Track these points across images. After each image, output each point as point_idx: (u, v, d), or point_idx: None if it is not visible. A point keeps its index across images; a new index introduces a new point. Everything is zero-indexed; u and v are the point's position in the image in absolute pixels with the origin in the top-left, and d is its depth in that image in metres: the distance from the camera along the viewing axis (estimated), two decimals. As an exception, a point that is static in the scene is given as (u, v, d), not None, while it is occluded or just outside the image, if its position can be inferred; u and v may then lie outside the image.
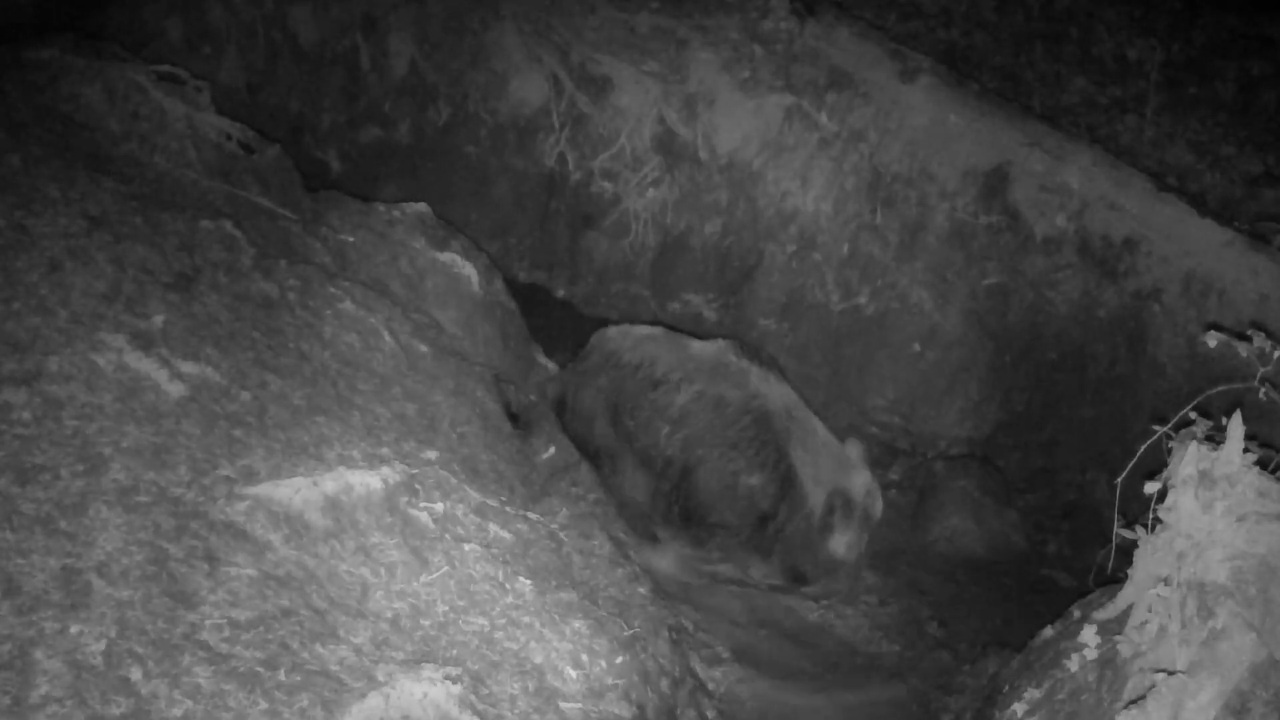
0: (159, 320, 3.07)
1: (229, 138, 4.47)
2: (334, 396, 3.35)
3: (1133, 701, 2.64)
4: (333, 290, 3.90)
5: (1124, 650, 2.82)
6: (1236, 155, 6.81)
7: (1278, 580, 2.60)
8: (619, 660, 3.08)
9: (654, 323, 5.57)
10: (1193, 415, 2.92)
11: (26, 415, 2.56)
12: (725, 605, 4.69)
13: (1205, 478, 2.74)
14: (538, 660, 2.83)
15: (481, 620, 2.82)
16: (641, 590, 3.80)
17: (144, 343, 2.94)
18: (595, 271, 6.96)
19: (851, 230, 6.58)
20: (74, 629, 2.10)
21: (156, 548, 2.37)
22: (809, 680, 4.34)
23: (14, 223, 3.16)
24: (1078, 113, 6.92)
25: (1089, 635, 3.09)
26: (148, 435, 2.67)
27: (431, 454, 3.39)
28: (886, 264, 6.52)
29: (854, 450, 4.73)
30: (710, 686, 4.04)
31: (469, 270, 4.86)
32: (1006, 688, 3.37)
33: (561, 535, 3.70)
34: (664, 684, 3.42)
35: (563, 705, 2.74)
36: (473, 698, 2.46)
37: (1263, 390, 3.02)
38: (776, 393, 4.62)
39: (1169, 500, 2.80)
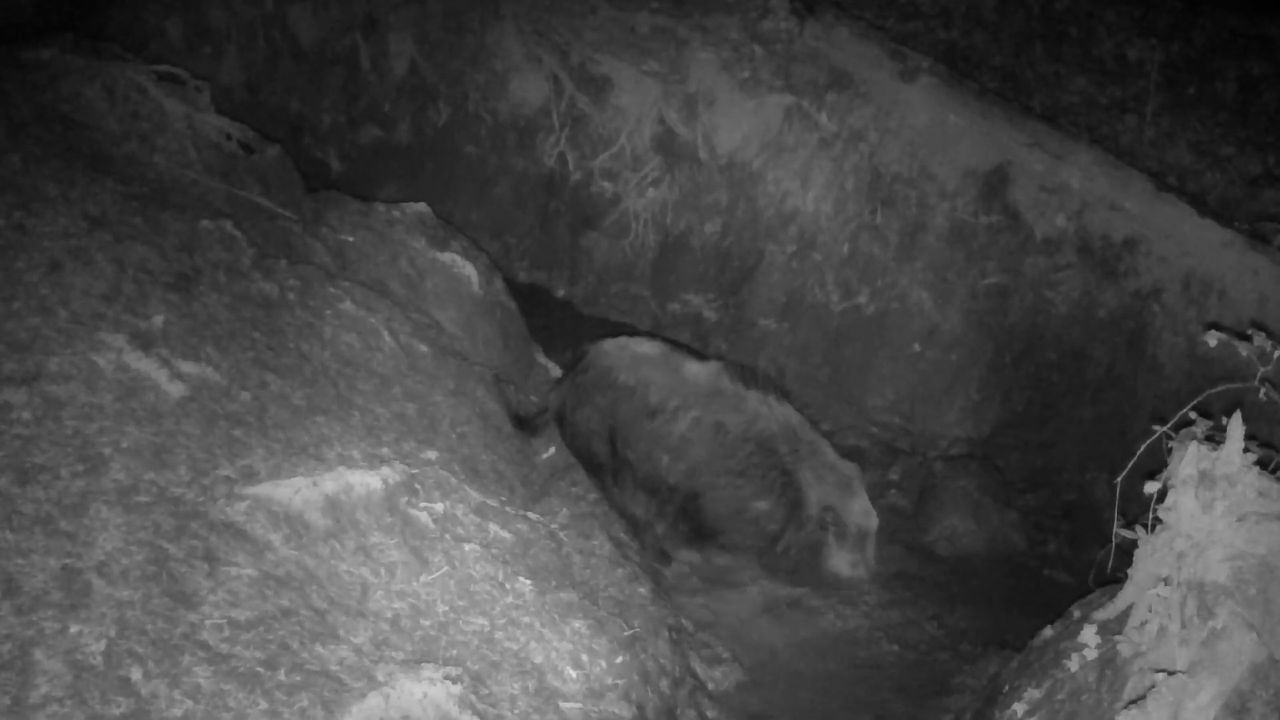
0: (159, 320, 3.07)
1: (229, 138, 4.48)
2: (334, 396, 3.35)
3: (1133, 701, 2.64)
4: (333, 290, 3.90)
5: (1124, 650, 2.82)
6: (1236, 155, 6.81)
7: (1278, 580, 2.60)
8: (619, 660, 3.08)
9: (651, 332, 5.53)
10: (1193, 415, 2.91)
11: (26, 415, 2.56)
12: (732, 606, 4.72)
13: (1205, 478, 2.74)
14: (538, 660, 2.83)
15: (481, 620, 2.82)
16: (641, 590, 3.79)
17: (144, 343, 2.94)
18: (595, 271, 6.96)
19: (851, 230, 6.58)
20: (74, 629, 2.11)
21: (156, 548, 2.37)
22: (809, 680, 4.34)
23: (14, 223, 3.17)
24: (1078, 113, 6.92)
25: (1089, 635, 3.09)
26: (148, 435, 2.67)
27: (431, 454, 3.39)
28: (886, 264, 6.52)
29: (852, 471, 4.74)
30: (710, 687, 4.04)
31: (469, 270, 4.86)
32: (1006, 688, 3.36)
33: (561, 535, 3.70)
34: (664, 684, 3.42)
35: (563, 705, 2.74)
36: (473, 698, 2.46)
37: (1263, 390, 3.01)
38: (778, 414, 4.62)
39: (1169, 500, 2.79)
